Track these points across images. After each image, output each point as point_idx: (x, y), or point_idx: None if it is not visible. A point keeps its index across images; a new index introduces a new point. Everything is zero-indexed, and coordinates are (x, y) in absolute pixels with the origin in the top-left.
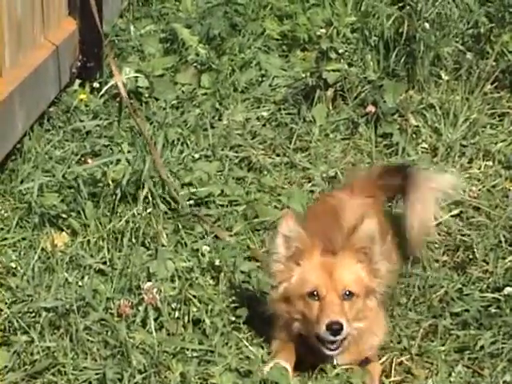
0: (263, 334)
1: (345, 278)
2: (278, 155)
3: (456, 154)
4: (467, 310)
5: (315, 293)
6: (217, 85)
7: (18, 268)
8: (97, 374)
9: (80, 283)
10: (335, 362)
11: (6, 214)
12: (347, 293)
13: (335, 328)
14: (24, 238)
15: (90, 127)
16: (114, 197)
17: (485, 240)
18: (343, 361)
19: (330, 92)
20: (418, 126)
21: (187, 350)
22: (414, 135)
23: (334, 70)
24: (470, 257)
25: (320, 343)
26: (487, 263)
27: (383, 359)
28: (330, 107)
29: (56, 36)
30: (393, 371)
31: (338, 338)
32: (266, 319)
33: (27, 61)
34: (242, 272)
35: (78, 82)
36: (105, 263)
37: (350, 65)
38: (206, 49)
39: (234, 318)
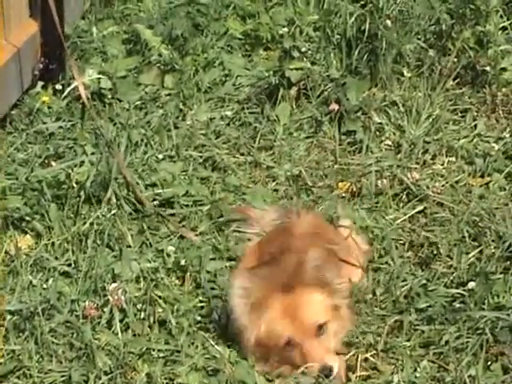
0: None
1: (311, 315)
2: (242, 154)
3: (419, 150)
4: (432, 306)
5: (291, 343)
6: (180, 85)
7: None
8: (62, 376)
9: (44, 286)
10: None
11: None
12: (319, 327)
13: (326, 373)
14: None
15: (53, 129)
16: (78, 199)
17: (448, 235)
18: None
19: (293, 91)
20: (381, 123)
21: (153, 350)
22: (377, 132)
23: (297, 69)
24: (434, 252)
25: None
26: (451, 258)
27: (349, 355)
28: (294, 106)
29: (17, 38)
30: (358, 367)
31: (332, 375)
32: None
33: None
34: (208, 272)
35: (40, 84)
36: (69, 265)
37: (312, 63)
38: (168, 49)
39: (199, 318)
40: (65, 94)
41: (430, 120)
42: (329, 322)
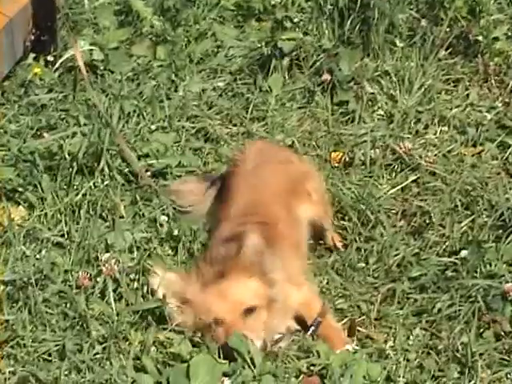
0: None
1: (240, 296)
2: (234, 125)
3: (411, 120)
4: (424, 274)
5: (217, 321)
6: (172, 56)
7: None
8: (56, 345)
9: (38, 256)
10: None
11: None
12: (248, 309)
13: None
14: None
15: (45, 101)
16: (70, 170)
17: (441, 205)
18: None
19: (285, 61)
20: (373, 94)
21: (146, 319)
22: (369, 102)
23: (289, 39)
24: (427, 221)
25: None
26: (444, 227)
27: (342, 323)
28: (286, 76)
29: (9, 9)
30: None
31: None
32: None
33: None
34: (201, 242)
35: (32, 55)
36: (62, 236)
37: (305, 34)
38: (160, 20)
39: None
40: (56, 65)
41: (423, 90)
42: (261, 309)
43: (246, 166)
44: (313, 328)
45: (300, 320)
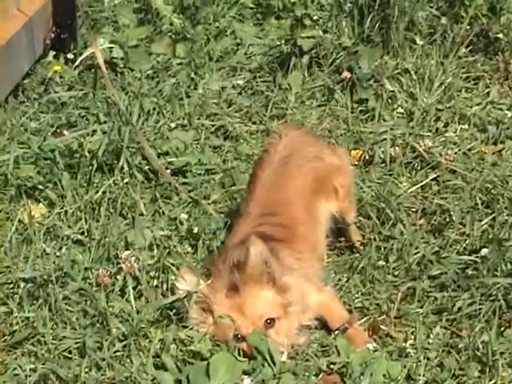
0: None
1: (258, 309)
2: (254, 123)
3: (431, 118)
4: (445, 273)
5: (239, 336)
6: (192, 54)
7: None
8: (76, 343)
9: (58, 254)
10: None
11: None
12: (268, 321)
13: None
14: (0, 210)
15: (65, 98)
16: (90, 167)
17: (461, 203)
18: None
19: (305, 59)
20: (393, 91)
21: (166, 317)
22: (389, 100)
23: (308, 37)
24: (447, 220)
25: None
26: (464, 226)
27: (362, 322)
28: (306, 74)
29: (29, 7)
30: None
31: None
32: None
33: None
34: (220, 240)
35: (52, 53)
36: (82, 233)
37: (324, 31)
38: (180, 18)
39: None
40: (76, 63)
41: (443, 88)
42: (280, 320)
43: (273, 157)
44: (337, 332)
45: (323, 323)
